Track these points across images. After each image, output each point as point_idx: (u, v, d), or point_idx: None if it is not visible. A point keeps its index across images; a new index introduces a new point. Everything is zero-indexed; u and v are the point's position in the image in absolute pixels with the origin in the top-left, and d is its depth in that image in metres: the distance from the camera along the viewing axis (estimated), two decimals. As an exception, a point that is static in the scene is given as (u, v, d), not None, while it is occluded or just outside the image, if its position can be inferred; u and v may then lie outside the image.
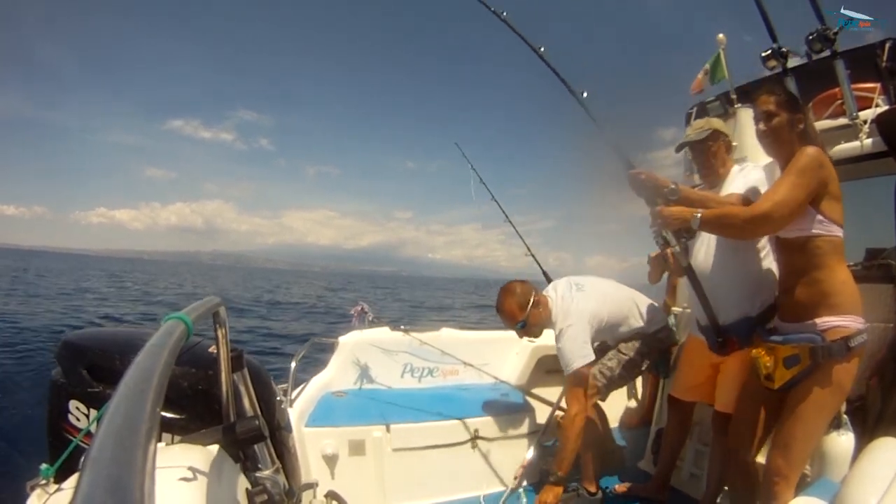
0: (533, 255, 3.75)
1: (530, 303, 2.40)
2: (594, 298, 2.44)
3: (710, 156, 2.16)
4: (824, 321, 1.63)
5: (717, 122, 2.19)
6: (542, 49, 2.09)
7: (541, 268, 3.69)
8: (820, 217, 1.63)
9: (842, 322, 1.62)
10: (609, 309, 2.45)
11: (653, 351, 2.52)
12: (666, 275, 3.45)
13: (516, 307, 2.41)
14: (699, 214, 1.83)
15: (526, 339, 2.64)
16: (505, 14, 2.15)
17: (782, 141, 1.71)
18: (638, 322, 2.50)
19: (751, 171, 2.04)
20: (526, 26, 2.12)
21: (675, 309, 2.94)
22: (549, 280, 3.60)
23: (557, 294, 2.48)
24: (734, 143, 2.24)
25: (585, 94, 2.05)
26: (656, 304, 2.61)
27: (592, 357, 2.33)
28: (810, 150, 1.63)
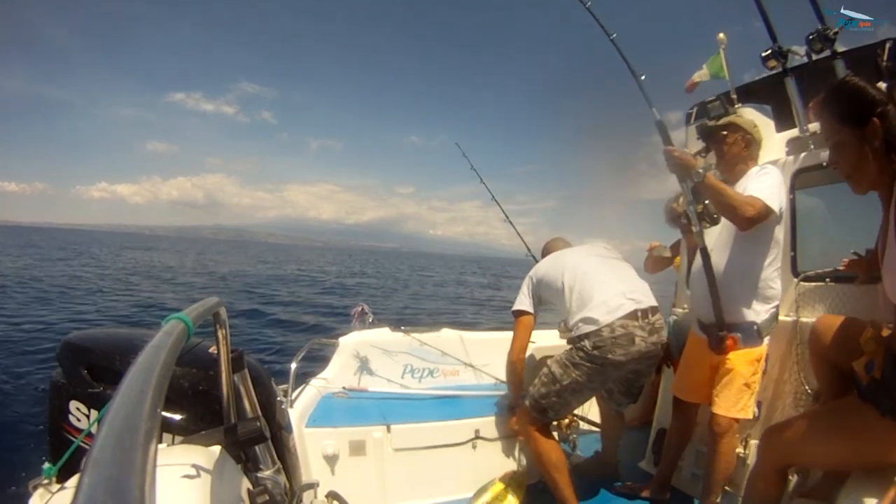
0: (534, 257, 3.75)
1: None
2: (546, 260, 2.66)
3: (725, 146, 2.18)
4: None
5: (739, 119, 2.20)
6: (615, 35, 2.18)
7: (534, 259, 3.71)
8: None
9: None
10: (545, 270, 2.57)
11: (582, 364, 2.19)
12: (673, 272, 3.46)
13: None
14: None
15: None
16: (590, 3, 2.23)
17: (863, 171, 1.26)
18: (565, 308, 2.38)
19: (767, 173, 2.05)
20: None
21: (677, 310, 2.94)
22: None
23: None
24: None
25: (644, 77, 2.13)
26: (611, 305, 2.21)
27: (524, 306, 2.57)
28: None
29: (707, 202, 2.07)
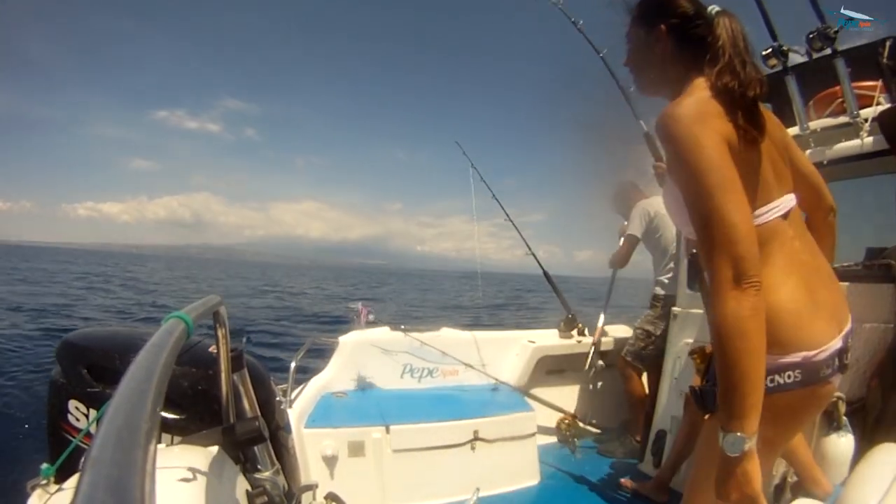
0: (534, 255, 3.75)
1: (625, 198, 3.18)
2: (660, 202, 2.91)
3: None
4: None
5: None
6: (605, 51, 2.48)
7: (541, 268, 3.71)
8: None
9: None
10: (664, 221, 2.86)
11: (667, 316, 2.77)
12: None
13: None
14: None
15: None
16: (581, 23, 2.53)
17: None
18: (657, 259, 2.95)
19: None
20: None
21: (675, 309, 2.93)
22: (548, 278, 3.64)
23: None
24: None
25: (633, 88, 2.31)
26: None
27: (637, 232, 2.97)
28: None
29: None
